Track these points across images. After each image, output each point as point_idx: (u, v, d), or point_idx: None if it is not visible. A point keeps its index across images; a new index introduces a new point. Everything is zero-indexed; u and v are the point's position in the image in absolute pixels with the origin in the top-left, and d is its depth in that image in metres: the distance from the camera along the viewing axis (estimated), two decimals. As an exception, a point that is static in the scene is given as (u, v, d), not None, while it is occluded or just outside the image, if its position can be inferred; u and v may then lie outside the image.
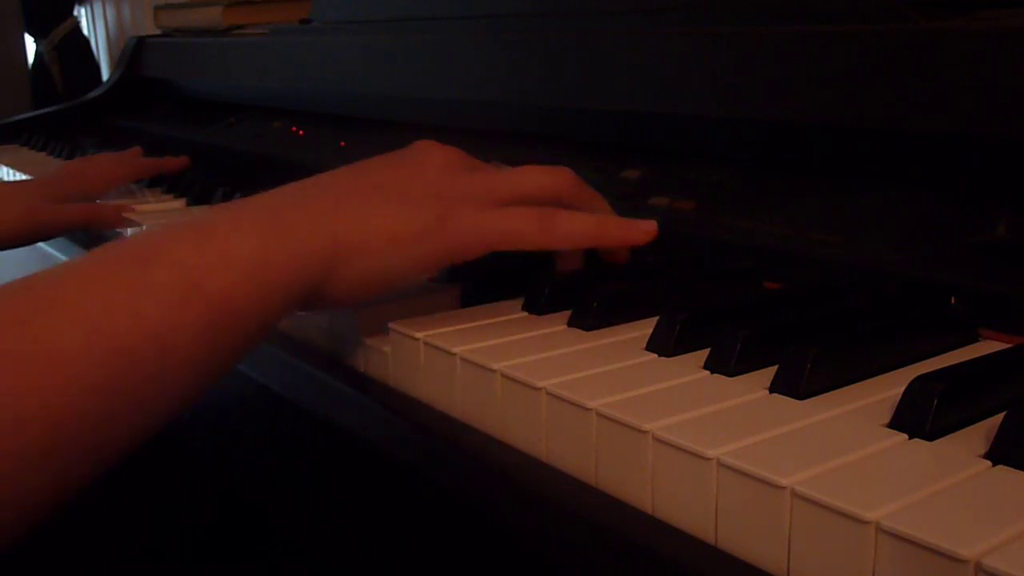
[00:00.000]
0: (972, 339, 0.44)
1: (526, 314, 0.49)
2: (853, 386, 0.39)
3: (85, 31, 3.08)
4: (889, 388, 0.38)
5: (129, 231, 0.79)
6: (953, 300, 0.46)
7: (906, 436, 0.34)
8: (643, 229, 0.48)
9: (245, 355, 0.41)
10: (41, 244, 0.87)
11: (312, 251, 0.43)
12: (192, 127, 1.28)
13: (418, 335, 0.45)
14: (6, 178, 1.19)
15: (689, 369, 0.41)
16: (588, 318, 0.47)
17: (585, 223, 0.47)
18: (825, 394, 0.38)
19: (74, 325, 0.35)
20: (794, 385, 0.38)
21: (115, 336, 0.36)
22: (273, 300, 0.41)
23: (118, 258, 0.39)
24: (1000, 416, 0.33)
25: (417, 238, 0.45)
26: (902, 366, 0.41)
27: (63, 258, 0.87)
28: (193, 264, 0.39)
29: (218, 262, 0.39)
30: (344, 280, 0.44)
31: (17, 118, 1.49)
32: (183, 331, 0.38)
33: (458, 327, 0.47)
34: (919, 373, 0.36)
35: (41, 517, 0.35)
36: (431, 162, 0.48)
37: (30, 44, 2.91)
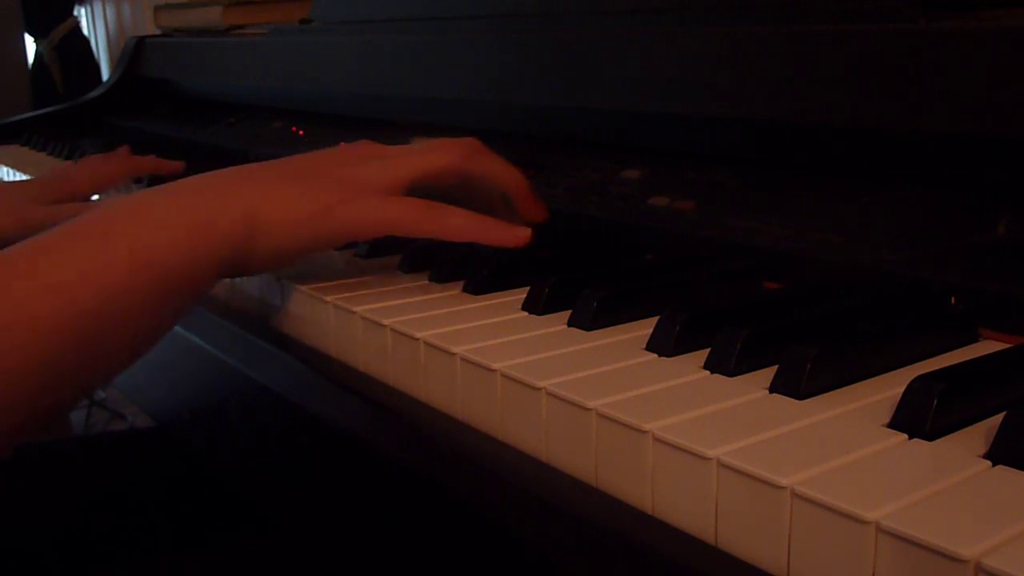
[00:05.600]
0: (972, 339, 0.44)
1: (526, 314, 0.49)
2: (853, 386, 0.39)
3: (85, 31, 3.08)
4: (889, 388, 0.38)
5: None
6: (953, 300, 0.46)
7: (906, 436, 0.34)
8: (518, 235, 0.53)
9: (182, 317, 0.50)
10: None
11: (231, 227, 0.49)
12: (192, 127, 1.27)
13: (418, 335, 0.46)
14: (6, 178, 1.19)
15: (689, 369, 0.41)
16: (588, 318, 0.47)
17: (468, 221, 0.53)
18: (825, 394, 0.38)
19: (43, 293, 0.42)
20: (794, 385, 0.38)
21: (78, 300, 0.43)
22: (203, 268, 0.48)
23: (77, 234, 0.46)
24: (1000, 416, 0.33)
25: (316, 218, 0.51)
26: (902, 366, 0.41)
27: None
28: (139, 239, 0.46)
29: (159, 237, 0.47)
30: (259, 253, 0.51)
31: (17, 118, 1.49)
32: (134, 294, 0.45)
33: (458, 327, 0.47)
34: (919, 373, 0.36)
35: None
36: (341, 153, 0.55)
37: (30, 44, 2.91)
